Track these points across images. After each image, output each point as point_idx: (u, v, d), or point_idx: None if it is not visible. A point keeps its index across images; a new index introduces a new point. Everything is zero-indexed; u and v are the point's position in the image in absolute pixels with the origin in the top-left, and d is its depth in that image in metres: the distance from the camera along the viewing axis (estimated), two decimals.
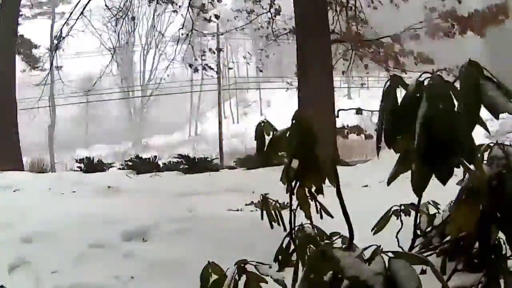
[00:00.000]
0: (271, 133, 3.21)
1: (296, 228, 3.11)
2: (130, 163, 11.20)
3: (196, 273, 2.29)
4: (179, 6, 14.51)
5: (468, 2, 12.68)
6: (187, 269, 3.08)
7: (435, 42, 12.58)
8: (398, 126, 1.67)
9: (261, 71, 16.84)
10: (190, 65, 15.16)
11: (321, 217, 3.07)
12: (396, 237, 2.56)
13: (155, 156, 12.29)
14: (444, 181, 1.66)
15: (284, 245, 3.03)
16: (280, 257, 3.11)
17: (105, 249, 3.69)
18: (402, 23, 12.92)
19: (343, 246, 2.94)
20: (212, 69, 15.66)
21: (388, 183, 1.78)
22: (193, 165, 10.24)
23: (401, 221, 2.66)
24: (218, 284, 2.50)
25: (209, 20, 14.92)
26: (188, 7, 14.38)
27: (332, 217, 2.90)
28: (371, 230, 2.48)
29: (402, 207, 2.72)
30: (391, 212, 2.67)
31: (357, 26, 13.62)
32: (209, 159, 11.53)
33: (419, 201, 2.04)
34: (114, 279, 3.21)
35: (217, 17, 15.05)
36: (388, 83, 1.76)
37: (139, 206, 5.46)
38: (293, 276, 2.65)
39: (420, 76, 1.75)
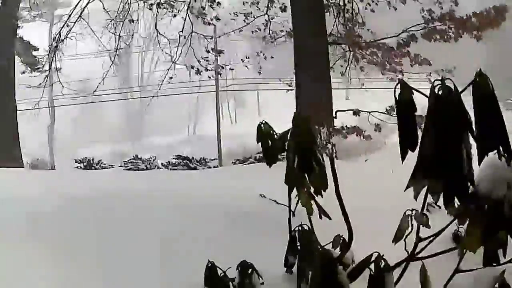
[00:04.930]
0: (272, 135, 3.29)
1: (297, 229, 3.17)
2: (130, 163, 11.30)
3: None
4: (178, 11, 14.59)
5: (466, 4, 12.74)
6: None
7: (432, 43, 12.64)
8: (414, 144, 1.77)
9: (259, 73, 16.90)
10: (193, 67, 15.23)
11: (320, 217, 3.12)
12: (404, 240, 2.59)
13: (155, 157, 12.40)
14: (446, 205, 1.76)
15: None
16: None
17: None
18: (400, 26, 12.98)
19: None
20: (213, 70, 15.72)
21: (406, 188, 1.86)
22: (192, 166, 10.35)
23: (412, 224, 2.69)
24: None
25: (209, 23, 15.00)
26: (187, 10, 14.45)
27: (330, 218, 2.96)
28: (392, 241, 2.49)
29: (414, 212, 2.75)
30: (406, 220, 2.68)
31: (354, 28, 13.69)
32: (208, 160, 11.64)
33: (423, 207, 2.10)
34: None
35: (217, 19, 15.11)
36: (398, 90, 1.84)
37: None
38: (297, 278, 2.71)
39: (433, 84, 1.82)
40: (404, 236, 2.58)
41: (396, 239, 2.56)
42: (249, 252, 3.07)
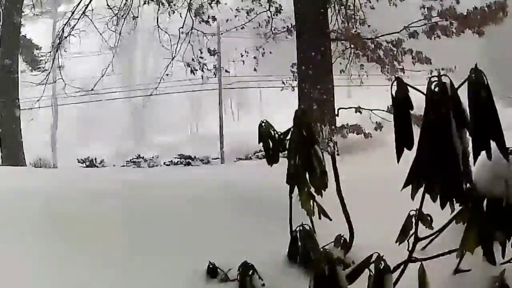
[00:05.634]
0: (273, 134, 3.30)
1: (298, 228, 3.18)
2: (132, 163, 11.32)
3: None
4: (177, 7, 14.59)
5: (467, 0, 12.70)
6: None
7: (433, 40, 12.61)
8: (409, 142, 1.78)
9: (255, 70, 16.87)
10: (189, 65, 15.20)
11: (319, 217, 3.14)
12: (408, 241, 2.59)
13: (157, 156, 12.40)
14: (442, 205, 1.76)
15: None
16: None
17: None
18: (401, 22, 12.95)
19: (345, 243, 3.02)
20: (210, 70, 15.72)
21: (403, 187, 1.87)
22: (194, 165, 10.36)
23: (415, 225, 2.69)
24: None
25: (207, 22, 14.98)
26: (187, 8, 14.44)
27: (330, 219, 2.97)
28: (396, 242, 2.49)
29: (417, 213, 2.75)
30: (411, 221, 2.68)
31: (355, 25, 13.67)
32: (210, 158, 11.64)
33: (421, 207, 2.11)
34: None
35: (214, 19, 15.09)
36: (395, 87, 1.85)
37: None
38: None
39: (429, 80, 1.83)
40: (408, 237, 2.59)
41: (400, 240, 2.56)
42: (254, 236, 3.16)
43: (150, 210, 4.25)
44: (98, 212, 4.11)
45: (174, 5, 14.66)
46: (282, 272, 2.91)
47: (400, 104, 1.87)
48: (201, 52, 15.30)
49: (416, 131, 1.98)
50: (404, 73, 12.82)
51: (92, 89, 17.85)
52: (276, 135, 3.27)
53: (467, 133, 1.81)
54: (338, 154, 10.05)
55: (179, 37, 14.89)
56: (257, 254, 2.85)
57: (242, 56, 16.44)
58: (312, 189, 3.12)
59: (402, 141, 1.85)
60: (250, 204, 4.18)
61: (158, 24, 15.22)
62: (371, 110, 11.82)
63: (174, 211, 4.13)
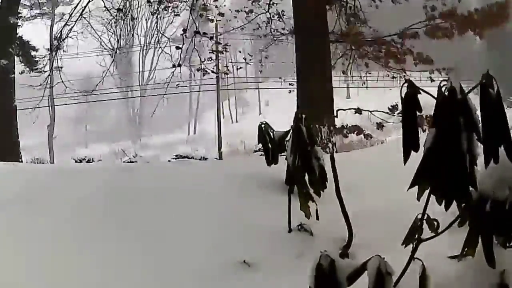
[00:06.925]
0: (272, 135, 3.29)
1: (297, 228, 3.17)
2: (129, 163, 11.31)
3: None
4: (180, 9, 14.55)
5: (468, 1, 12.67)
6: None
7: (434, 41, 12.58)
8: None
9: (260, 71, 16.87)
10: (198, 69, 15.16)
11: (317, 218, 3.12)
12: (412, 243, 2.56)
13: (155, 155, 12.40)
14: (447, 206, 1.75)
15: None
16: None
17: None
18: (402, 23, 12.93)
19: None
20: (214, 72, 15.66)
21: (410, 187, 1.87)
22: None
23: (422, 228, 2.67)
24: None
25: (212, 20, 14.94)
26: (190, 10, 14.38)
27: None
28: (402, 244, 2.47)
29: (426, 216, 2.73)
30: (418, 224, 2.65)
31: (356, 25, 13.62)
32: (208, 159, 11.63)
33: (425, 209, 2.10)
34: None
35: (221, 14, 15.04)
36: (406, 89, 1.85)
37: None
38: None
39: (440, 84, 1.83)
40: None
41: (406, 242, 2.53)
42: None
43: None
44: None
45: (176, 7, 14.63)
46: None
47: (409, 106, 1.86)
48: (212, 53, 15.27)
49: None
50: (405, 73, 12.80)
51: (92, 91, 17.84)
52: (275, 136, 3.27)
53: (476, 137, 1.80)
54: (336, 151, 10.03)
55: (183, 41, 14.70)
56: None
57: (245, 60, 16.44)
58: (311, 190, 3.12)
59: (410, 143, 1.84)
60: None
61: (157, 28, 15.20)
62: (371, 111, 11.77)
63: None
